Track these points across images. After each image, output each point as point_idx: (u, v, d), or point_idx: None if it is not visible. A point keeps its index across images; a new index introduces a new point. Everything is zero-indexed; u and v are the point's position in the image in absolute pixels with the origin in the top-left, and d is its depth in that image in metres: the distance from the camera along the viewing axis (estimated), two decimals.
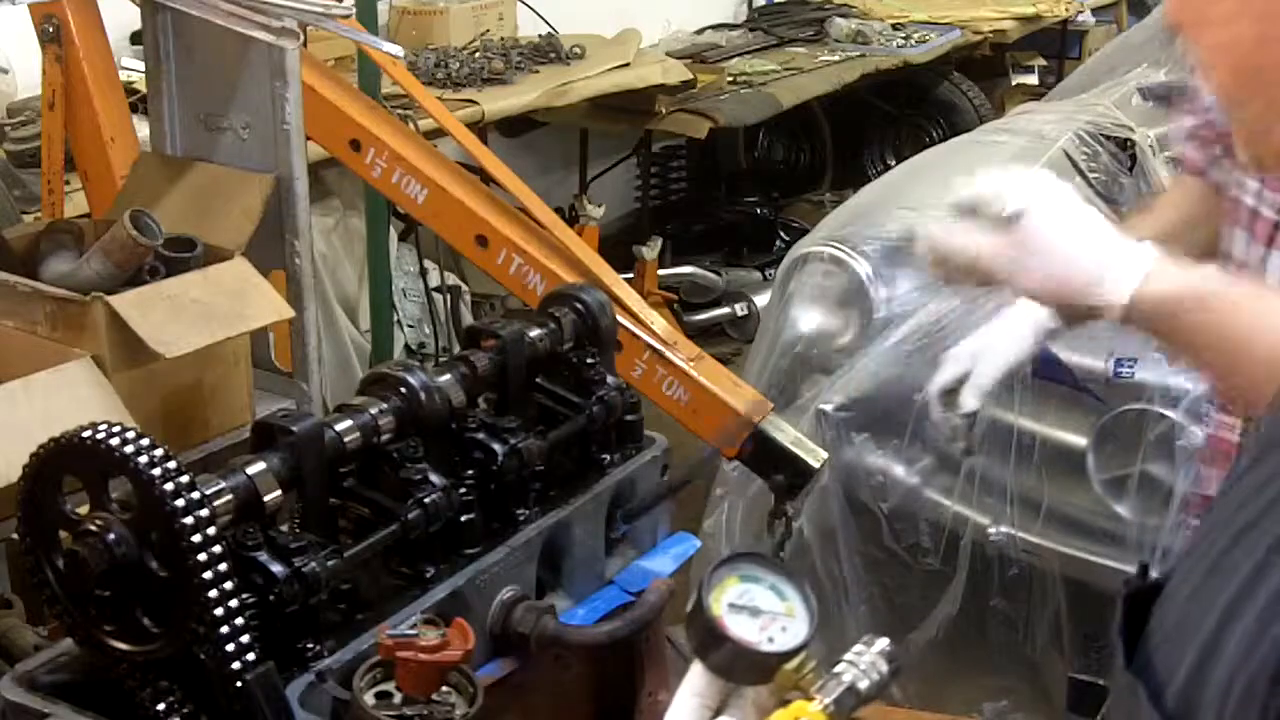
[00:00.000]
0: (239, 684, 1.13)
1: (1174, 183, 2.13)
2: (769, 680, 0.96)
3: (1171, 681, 0.79)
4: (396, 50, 2.46)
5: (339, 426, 1.29)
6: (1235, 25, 0.82)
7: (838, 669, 0.94)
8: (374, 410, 1.32)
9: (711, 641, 0.96)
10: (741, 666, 0.96)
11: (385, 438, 1.32)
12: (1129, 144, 3.60)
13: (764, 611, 0.98)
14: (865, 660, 0.95)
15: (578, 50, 4.86)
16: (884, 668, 0.95)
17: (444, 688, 1.19)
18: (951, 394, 1.90)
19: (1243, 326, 1.20)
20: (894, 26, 6.21)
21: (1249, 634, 0.73)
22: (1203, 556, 0.82)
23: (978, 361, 1.87)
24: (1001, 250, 1.30)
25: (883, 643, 0.96)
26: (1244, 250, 1.84)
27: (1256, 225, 1.81)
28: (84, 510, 1.17)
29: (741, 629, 0.96)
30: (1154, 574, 0.89)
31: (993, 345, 1.81)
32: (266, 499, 1.23)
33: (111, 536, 1.13)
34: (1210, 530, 0.84)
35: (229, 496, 1.19)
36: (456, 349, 3.29)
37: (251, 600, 1.17)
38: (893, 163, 6.34)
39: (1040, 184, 1.33)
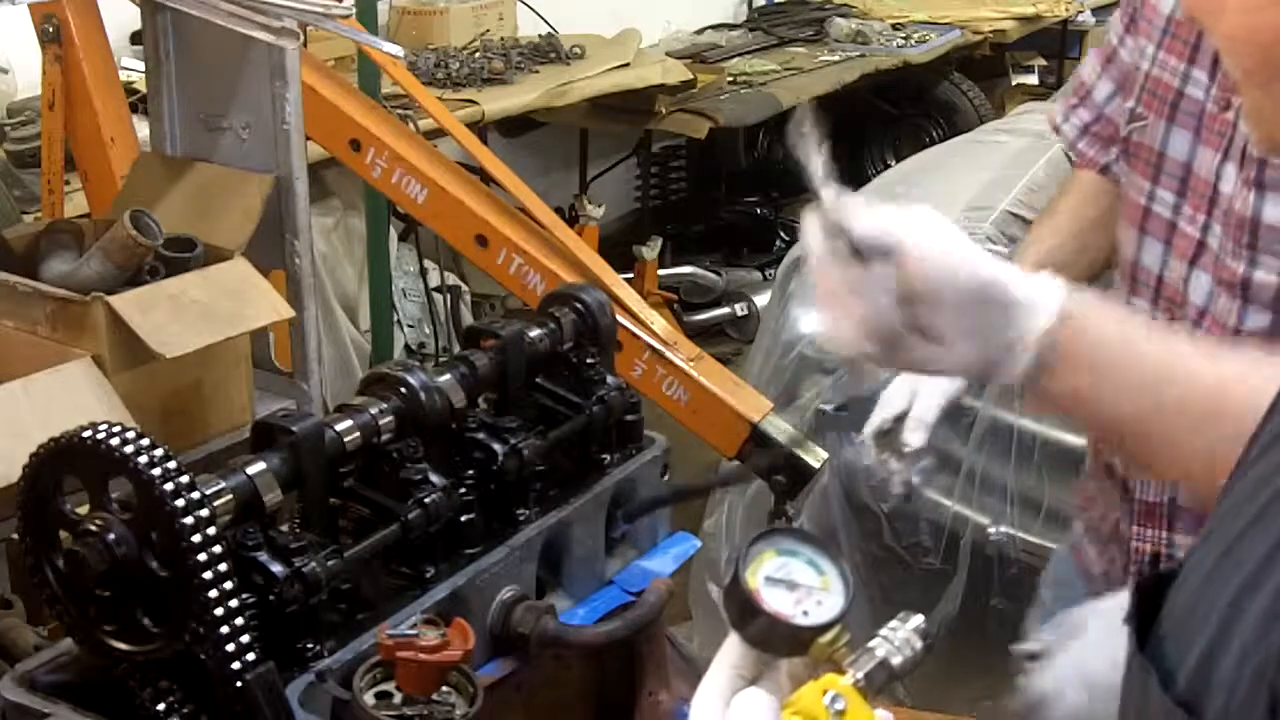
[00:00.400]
0: (239, 684, 1.13)
1: (1071, 183, 2.04)
2: (804, 653, 0.97)
3: (1182, 667, 0.79)
4: (396, 50, 2.46)
5: (339, 426, 1.29)
6: (1261, 13, 0.82)
7: (871, 644, 0.96)
8: (374, 410, 1.32)
9: (747, 614, 0.97)
10: (776, 639, 0.98)
11: (385, 438, 1.32)
12: None
13: (800, 585, 0.99)
14: (899, 636, 0.96)
15: (578, 50, 4.86)
16: (918, 644, 0.96)
17: (444, 688, 1.19)
18: (886, 435, 1.85)
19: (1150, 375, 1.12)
20: (894, 26, 6.21)
21: (1260, 620, 0.74)
22: (1215, 543, 0.83)
23: (916, 396, 1.82)
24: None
25: (917, 619, 0.97)
26: (1158, 262, 1.76)
27: (1175, 239, 1.73)
28: (84, 510, 1.17)
29: (777, 602, 0.97)
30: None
31: (928, 378, 1.75)
32: (266, 499, 1.23)
33: (111, 536, 1.13)
34: (1223, 517, 0.85)
35: (229, 496, 1.19)
36: (456, 349, 3.29)
37: (251, 600, 1.17)
38: (893, 162, 6.34)
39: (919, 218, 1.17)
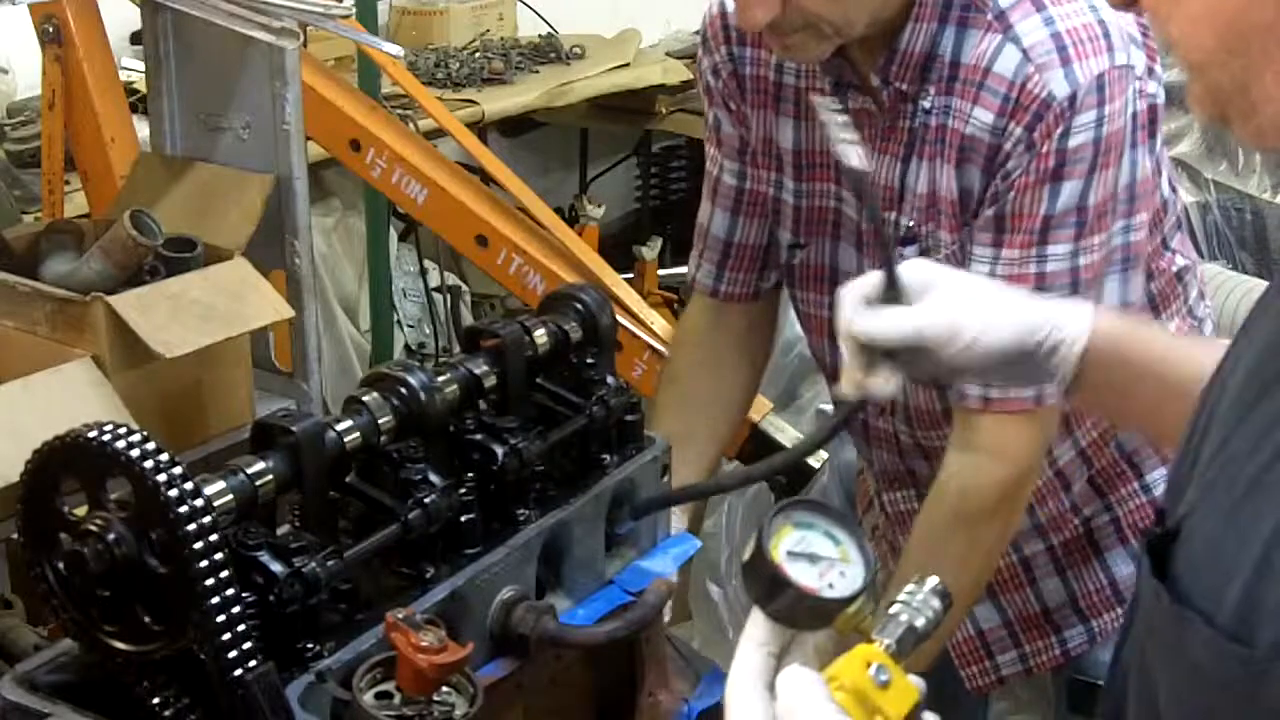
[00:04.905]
0: (239, 684, 1.13)
1: (683, 336, 2.04)
2: (828, 625, 0.97)
3: (1220, 607, 0.83)
4: (396, 50, 2.46)
5: (339, 426, 1.29)
6: None
7: (893, 610, 0.95)
8: (374, 409, 1.32)
9: (774, 589, 0.96)
10: (803, 613, 0.96)
11: (385, 438, 1.32)
12: None
13: (822, 558, 0.98)
14: (919, 599, 0.96)
15: (578, 50, 4.86)
16: (937, 604, 0.96)
17: (444, 688, 1.19)
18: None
19: (1172, 372, 1.23)
20: None
21: None
22: (1228, 487, 0.86)
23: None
24: (939, 319, 1.25)
25: (933, 580, 0.97)
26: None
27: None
28: (83, 510, 1.17)
29: (802, 576, 0.96)
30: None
31: None
32: (266, 499, 1.23)
33: (111, 536, 1.13)
34: (1227, 463, 0.88)
35: (229, 496, 1.19)
36: (456, 349, 3.29)
37: (252, 600, 1.17)
38: None
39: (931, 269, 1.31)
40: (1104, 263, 1.64)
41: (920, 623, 0.94)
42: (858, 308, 1.26)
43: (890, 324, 1.25)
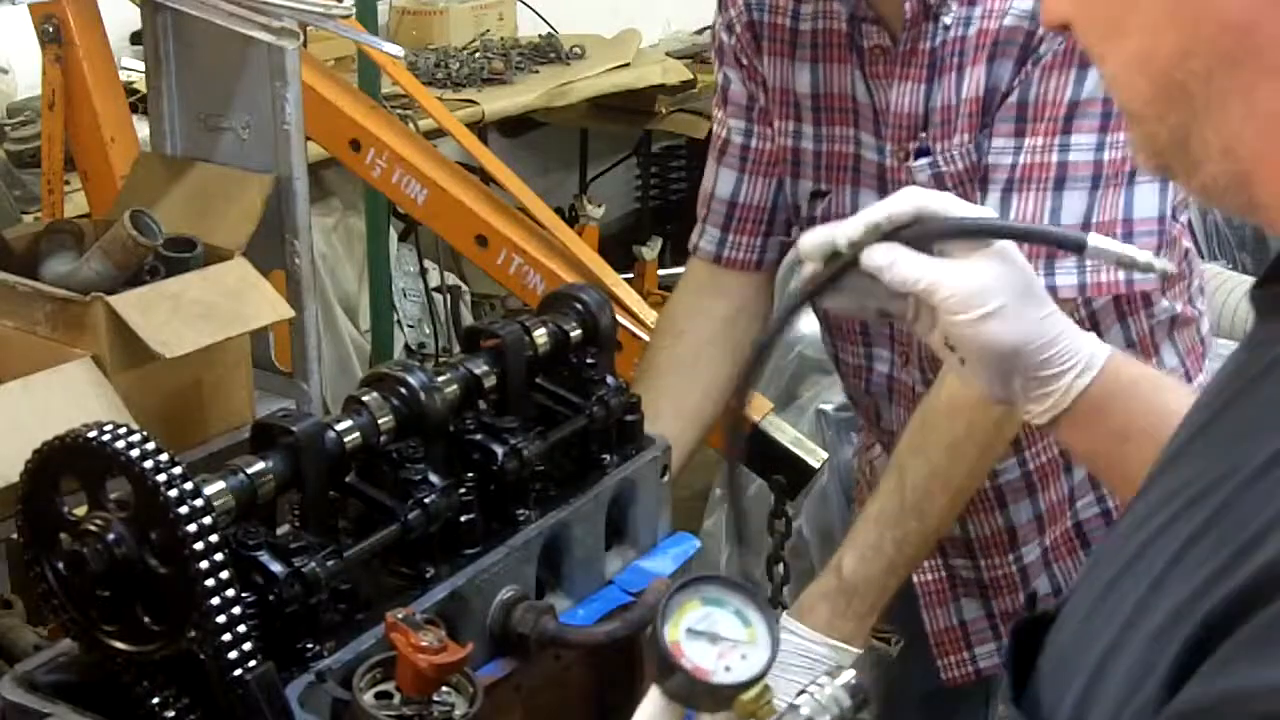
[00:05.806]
0: (239, 684, 1.13)
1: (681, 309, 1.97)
2: (727, 708, 0.94)
3: (1058, 713, 0.76)
4: (396, 50, 2.46)
5: (339, 427, 1.29)
6: (1159, 36, 0.76)
7: (797, 701, 0.91)
8: (374, 409, 1.32)
9: (666, 669, 0.94)
10: (697, 694, 0.93)
11: (385, 438, 1.32)
12: None
13: (724, 638, 0.94)
14: (826, 693, 0.92)
15: (578, 50, 4.87)
16: (846, 701, 0.92)
17: (444, 688, 1.19)
18: None
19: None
20: None
21: (1130, 670, 0.70)
22: (1092, 587, 0.80)
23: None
24: (964, 283, 1.09)
25: (848, 675, 0.93)
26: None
27: None
28: (83, 510, 1.17)
29: (698, 656, 0.93)
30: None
31: None
32: (266, 499, 1.23)
33: (111, 536, 1.13)
34: (1100, 559, 0.82)
35: (229, 497, 1.19)
36: (456, 349, 3.29)
37: (251, 600, 1.17)
38: None
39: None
40: (1128, 165, 1.61)
41: None
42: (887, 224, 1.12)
43: (908, 268, 1.09)
